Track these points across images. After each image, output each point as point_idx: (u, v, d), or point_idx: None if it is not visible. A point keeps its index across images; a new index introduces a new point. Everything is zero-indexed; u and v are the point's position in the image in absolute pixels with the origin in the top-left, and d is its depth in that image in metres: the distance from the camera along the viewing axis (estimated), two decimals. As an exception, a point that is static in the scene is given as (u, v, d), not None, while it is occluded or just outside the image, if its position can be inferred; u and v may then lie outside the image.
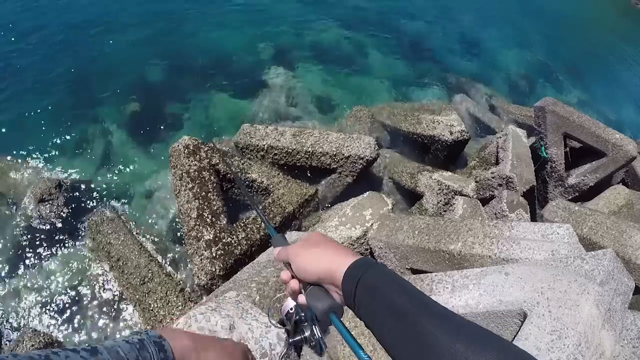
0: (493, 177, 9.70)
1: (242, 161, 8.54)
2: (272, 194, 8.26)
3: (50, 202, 9.18)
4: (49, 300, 7.92)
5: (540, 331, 3.51)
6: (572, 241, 5.18)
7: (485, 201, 9.59)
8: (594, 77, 26.65)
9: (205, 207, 7.25)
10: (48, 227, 8.94)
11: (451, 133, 10.81)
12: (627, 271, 4.29)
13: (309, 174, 9.47)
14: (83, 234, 8.82)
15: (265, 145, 9.10)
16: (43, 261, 8.42)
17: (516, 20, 30.26)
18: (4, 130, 10.92)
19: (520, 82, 22.00)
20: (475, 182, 10.08)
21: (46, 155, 10.43)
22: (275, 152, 9.17)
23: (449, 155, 11.29)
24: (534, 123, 11.17)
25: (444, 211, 9.70)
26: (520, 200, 8.73)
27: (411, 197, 10.58)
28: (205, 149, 8.12)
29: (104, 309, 7.87)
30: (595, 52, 31.76)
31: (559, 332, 3.44)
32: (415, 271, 6.32)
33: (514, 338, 3.69)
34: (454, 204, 9.42)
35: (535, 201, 10.67)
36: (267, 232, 7.28)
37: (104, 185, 10.05)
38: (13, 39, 13.88)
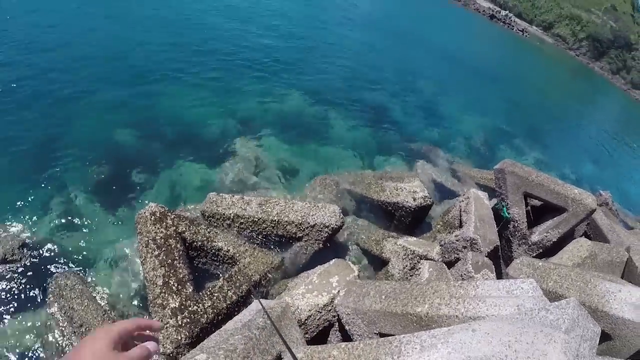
0: (457, 240, 9.81)
1: (208, 230, 8.49)
2: (238, 263, 8.22)
3: (13, 262, 8.98)
4: (8, 365, 7.67)
5: (510, 384, 3.51)
6: (536, 294, 5.24)
7: (450, 264, 9.67)
8: (549, 136, 27.59)
9: (171, 274, 7.17)
10: (9, 288, 8.68)
11: (414, 199, 10.97)
12: (591, 317, 4.34)
13: (274, 243, 9.45)
14: (46, 297, 8.56)
15: (232, 214, 9.10)
16: (2, 323, 8.16)
17: (474, 86, 31.32)
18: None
19: (480, 146, 22.58)
20: (440, 245, 10.18)
21: (11, 215, 10.19)
22: (242, 221, 9.15)
23: (413, 221, 11.41)
24: (494, 185, 11.43)
25: (410, 276, 9.72)
26: (485, 261, 8.82)
27: (378, 263, 10.61)
28: (172, 216, 8.08)
29: (65, 377, 7.61)
30: (550, 112, 32.93)
31: (528, 383, 3.44)
32: (383, 335, 6.28)
33: (485, 394, 3.69)
34: (419, 268, 9.47)
35: (500, 260, 10.78)
36: (234, 301, 7.21)
37: (70, 249, 9.85)
38: None
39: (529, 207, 11.20)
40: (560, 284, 7.70)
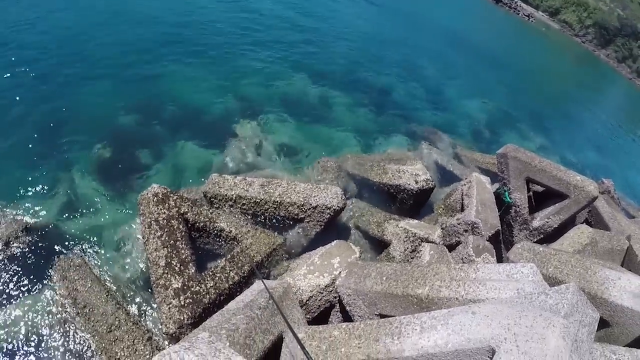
0: (459, 224, 9.83)
1: (210, 210, 8.51)
2: (240, 244, 8.24)
3: (17, 245, 9.01)
4: (11, 347, 7.69)
5: (509, 366, 3.55)
6: (536, 279, 5.27)
7: (451, 247, 9.69)
8: (553, 122, 27.46)
9: (173, 255, 7.21)
10: (13, 270, 8.70)
11: (416, 182, 10.96)
12: (590, 303, 4.37)
13: (277, 224, 9.48)
14: (49, 279, 8.59)
15: (234, 195, 9.12)
16: (6, 306, 8.16)
17: (478, 71, 31.13)
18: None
19: (483, 130, 22.52)
20: (442, 229, 10.21)
21: (14, 198, 10.21)
22: (244, 202, 9.17)
23: (415, 204, 11.40)
24: (497, 169, 11.40)
25: (411, 258, 9.76)
26: (486, 245, 8.84)
27: (379, 246, 10.63)
28: (174, 197, 8.11)
29: (69, 357, 7.66)
30: (554, 98, 32.77)
31: (527, 365, 3.48)
32: (384, 317, 6.31)
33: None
34: (420, 251, 9.49)
35: (501, 245, 10.80)
36: (236, 281, 7.25)
37: (72, 231, 9.88)
38: None
39: (530, 193, 11.19)
40: (560, 269, 7.73)
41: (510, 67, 34.79)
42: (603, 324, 6.87)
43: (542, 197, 11.31)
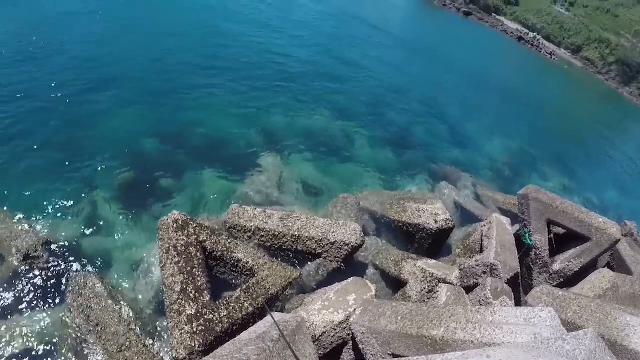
0: (477, 265, 9.75)
1: (229, 240, 8.53)
2: (256, 275, 8.23)
3: (35, 259, 9.11)
4: (23, 357, 7.73)
5: (523, 413, 3.48)
6: (554, 324, 5.19)
7: (469, 289, 9.59)
8: (576, 162, 27.27)
9: (189, 282, 7.22)
10: (29, 284, 8.81)
11: (436, 222, 10.91)
12: (609, 350, 4.28)
13: (294, 258, 9.47)
14: (64, 295, 8.67)
15: (253, 227, 9.17)
16: (21, 318, 8.25)
17: (500, 109, 31.16)
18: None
19: (504, 170, 22.43)
20: (460, 270, 10.11)
21: (36, 213, 10.39)
22: (263, 234, 9.22)
23: (433, 244, 11.33)
24: (518, 211, 11.32)
25: (428, 299, 9.66)
26: (504, 288, 8.74)
27: (395, 285, 10.55)
28: (194, 225, 8.15)
29: (78, 373, 7.69)
30: (577, 137, 32.57)
31: (541, 413, 3.41)
32: (397, 357, 6.25)
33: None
34: (437, 291, 9.39)
35: (520, 288, 10.68)
36: (250, 312, 7.22)
37: (91, 249, 9.99)
38: (12, 98, 14.09)
39: (551, 235, 11.07)
40: (580, 314, 7.60)
41: (532, 106, 34.74)
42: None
43: (564, 240, 11.18)
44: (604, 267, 11.53)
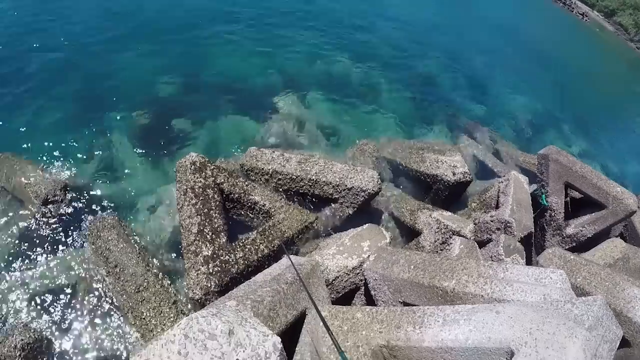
0: (492, 221, 9.77)
1: (246, 183, 8.60)
2: (273, 218, 8.32)
3: (54, 203, 9.24)
4: (43, 299, 7.92)
5: (526, 370, 3.56)
6: (564, 286, 5.24)
7: (482, 244, 9.63)
8: (600, 128, 26.80)
9: (206, 223, 7.32)
10: (49, 227, 8.98)
11: (454, 174, 10.88)
12: (616, 320, 4.34)
13: (310, 202, 9.54)
14: (83, 237, 8.85)
15: (271, 170, 9.20)
16: (41, 260, 8.44)
17: (527, 67, 30.55)
18: (15, 130, 11.05)
19: (526, 128, 22.14)
20: (474, 224, 10.14)
21: (54, 158, 10.53)
22: (280, 177, 9.26)
23: (450, 196, 11.33)
24: (536, 170, 11.25)
25: (441, 250, 9.73)
26: (517, 246, 8.78)
27: (409, 234, 10.62)
28: (212, 167, 8.22)
29: (97, 313, 7.86)
30: (603, 104, 31.95)
31: (544, 372, 3.49)
32: (407, 305, 6.34)
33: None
34: (451, 243, 9.46)
35: (532, 248, 10.71)
36: (265, 255, 7.32)
37: (109, 192, 10.13)
38: (30, 44, 14.12)
39: (568, 198, 11.03)
40: (589, 281, 7.64)
41: (558, 66, 34.00)
42: (624, 343, 6.78)
43: (579, 205, 11.14)
44: (616, 237, 11.49)
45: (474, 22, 36.32)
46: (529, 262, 9.60)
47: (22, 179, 9.43)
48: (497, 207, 10.63)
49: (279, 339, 2.82)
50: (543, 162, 10.87)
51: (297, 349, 4.90)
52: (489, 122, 20.01)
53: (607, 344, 4.02)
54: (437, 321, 4.47)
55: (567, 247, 10.76)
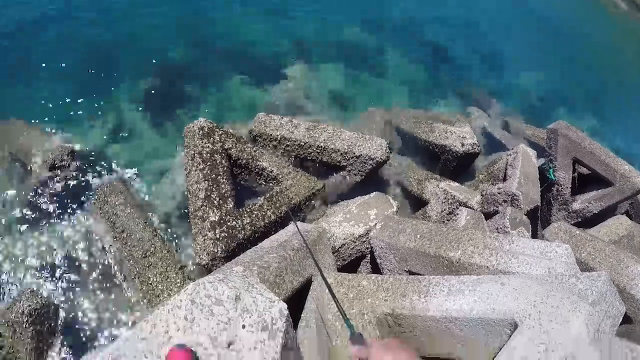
0: (499, 193, 9.77)
1: (254, 148, 8.59)
2: (280, 184, 8.32)
3: (62, 168, 9.34)
4: (50, 264, 8.02)
5: (529, 342, 3.60)
6: (569, 261, 5.26)
7: (488, 216, 9.65)
8: (610, 106, 26.57)
9: (213, 189, 7.33)
10: (56, 192, 9.06)
11: (462, 145, 10.87)
12: (619, 296, 4.37)
13: (318, 169, 9.54)
14: (90, 202, 8.93)
15: (279, 136, 9.20)
16: (48, 225, 8.54)
17: (539, 41, 30.18)
18: (22, 96, 11.08)
19: (537, 102, 22.02)
20: (481, 195, 10.16)
21: (61, 123, 10.57)
22: (288, 143, 9.26)
23: (458, 167, 11.34)
24: (545, 145, 11.25)
25: (447, 220, 9.78)
26: (523, 219, 8.80)
27: (416, 203, 10.66)
28: (220, 132, 8.19)
29: (103, 278, 7.96)
30: (615, 82, 31.60)
31: (546, 345, 3.52)
32: (413, 274, 6.38)
33: (503, 347, 3.78)
34: (457, 214, 9.46)
35: (538, 222, 10.73)
36: (272, 221, 7.33)
37: (116, 158, 10.18)
38: (36, 12, 14.01)
39: (575, 174, 11.04)
40: (594, 256, 7.67)
41: (571, 43, 33.52)
42: (626, 319, 6.83)
43: (586, 181, 11.15)
44: (622, 214, 11.51)
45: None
46: (534, 235, 9.60)
47: (30, 144, 9.49)
48: (504, 179, 10.63)
49: (285, 305, 2.84)
50: (552, 137, 10.86)
51: (302, 315, 4.95)
52: (500, 95, 19.89)
53: (610, 320, 4.06)
54: (442, 291, 4.50)
55: (572, 222, 10.79)
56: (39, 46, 12.62)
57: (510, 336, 3.83)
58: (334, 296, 3.73)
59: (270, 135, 9.24)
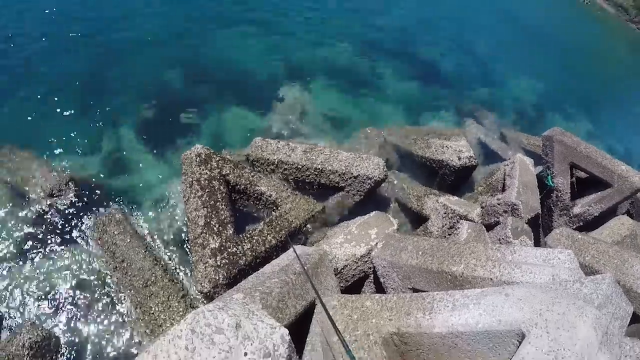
0: (499, 204, 9.76)
1: (252, 173, 8.59)
2: (279, 208, 8.31)
3: (60, 197, 9.32)
4: (49, 296, 7.96)
5: (538, 352, 3.56)
6: (572, 266, 5.24)
7: (490, 227, 9.63)
8: (603, 108, 26.73)
9: (213, 215, 7.32)
10: (55, 222, 9.02)
11: (459, 158, 10.89)
12: (625, 296, 4.34)
13: (317, 191, 9.53)
14: (89, 232, 8.90)
15: (276, 160, 9.20)
16: (47, 256, 8.49)
17: (530, 50, 30.43)
18: (20, 123, 11.08)
19: (530, 111, 22.13)
20: (481, 207, 10.14)
21: (59, 151, 10.56)
22: (286, 167, 9.25)
23: (456, 180, 11.35)
24: (541, 152, 11.29)
25: (449, 235, 9.75)
26: (524, 228, 8.78)
27: (417, 220, 10.63)
28: (217, 158, 8.21)
29: (104, 309, 7.91)
30: (606, 84, 31.82)
31: (555, 352, 3.49)
32: (417, 291, 6.35)
33: (512, 358, 3.74)
34: (458, 228, 9.46)
35: (540, 229, 10.71)
36: (273, 245, 7.31)
37: (114, 186, 10.17)
38: (33, 36, 14.09)
39: (574, 178, 11.06)
40: (598, 259, 7.65)
41: (561, 49, 33.83)
42: (636, 319, 6.79)
43: (585, 184, 11.16)
44: (623, 214, 11.51)
45: (474, 8, 36.11)
46: (537, 243, 9.60)
47: (27, 172, 9.48)
48: (503, 190, 10.64)
49: (286, 331, 2.82)
50: (548, 144, 10.90)
51: (308, 339, 4.91)
52: (493, 106, 19.99)
53: (618, 321, 4.02)
54: (446, 306, 4.47)
55: (574, 227, 10.80)
56: (36, 73, 12.66)
57: (519, 347, 3.79)
58: (332, 321, 3.70)
59: (268, 159, 9.23)
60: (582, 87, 28.49)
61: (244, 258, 7.09)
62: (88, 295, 8.05)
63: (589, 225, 10.82)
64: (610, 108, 27.77)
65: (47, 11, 15.42)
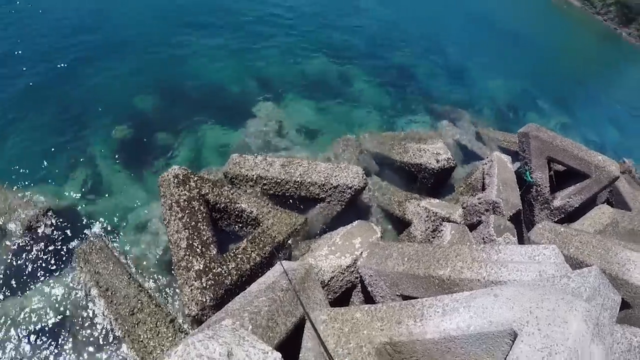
0: (480, 203, 9.79)
1: (231, 191, 8.53)
2: (261, 224, 8.26)
3: (38, 229, 9.16)
4: (32, 331, 7.77)
5: (531, 349, 3.55)
6: (558, 261, 5.26)
7: (472, 227, 9.66)
8: (575, 101, 27.12)
9: (195, 237, 7.25)
10: (34, 254, 8.85)
11: (437, 161, 10.94)
12: (612, 286, 4.36)
13: (297, 204, 9.50)
14: (71, 262, 8.75)
15: (255, 176, 9.15)
16: (28, 290, 8.30)
17: (499, 49, 30.76)
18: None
19: (505, 109, 22.34)
20: (463, 208, 10.17)
21: (34, 181, 10.40)
22: (265, 182, 9.21)
23: (436, 183, 11.40)
24: (518, 149, 11.37)
25: (433, 238, 9.76)
26: (507, 225, 8.81)
27: (400, 225, 10.65)
28: (195, 178, 8.13)
29: (92, 341, 7.76)
30: (575, 77, 32.27)
31: (549, 348, 3.48)
32: (406, 298, 6.34)
33: (506, 358, 3.73)
34: (442, 230, 9.47)
35: (522, 224, 10.76)
36: (258, 262, 7.26)
37: (93, 214, 10.03)
38: (4, 62, 13.95)
39: (552, 172, 11.16)
40: (582, 250, 7.67)
41: (530, 45, 34.33)
42: (624, 305, 6.82)
43: (564, 177, 11.27)
44: (603, 203, 11.61)
45: (442, 11, 36.44)
46: (520, 239, 9.63)
47: (2, 205, 9.33)
48: (483, 189, 10.67)
49: (279, 355, 2.78)
50: (524, 140, 10.98)
51: (300, 355, 4.87)
52: (468, 106, 20.17)
53: (608, 311, 4.03)
54: (437, 312, 4.45)
55: (556, 220, 10.90)
56: (4, 106, 12.48)
57: (512, 346, 3.78)
58: (319, 337, 3.66)
59: (246, 175, 9.18)
60: (553, 82, 28.89)
61: (230, 277, 7.02)
62: (73, 328, 7.90)
63: (570, 217, 10.91)
64: (582, 100, 28.20)
65: (8, 38, 15.27)
